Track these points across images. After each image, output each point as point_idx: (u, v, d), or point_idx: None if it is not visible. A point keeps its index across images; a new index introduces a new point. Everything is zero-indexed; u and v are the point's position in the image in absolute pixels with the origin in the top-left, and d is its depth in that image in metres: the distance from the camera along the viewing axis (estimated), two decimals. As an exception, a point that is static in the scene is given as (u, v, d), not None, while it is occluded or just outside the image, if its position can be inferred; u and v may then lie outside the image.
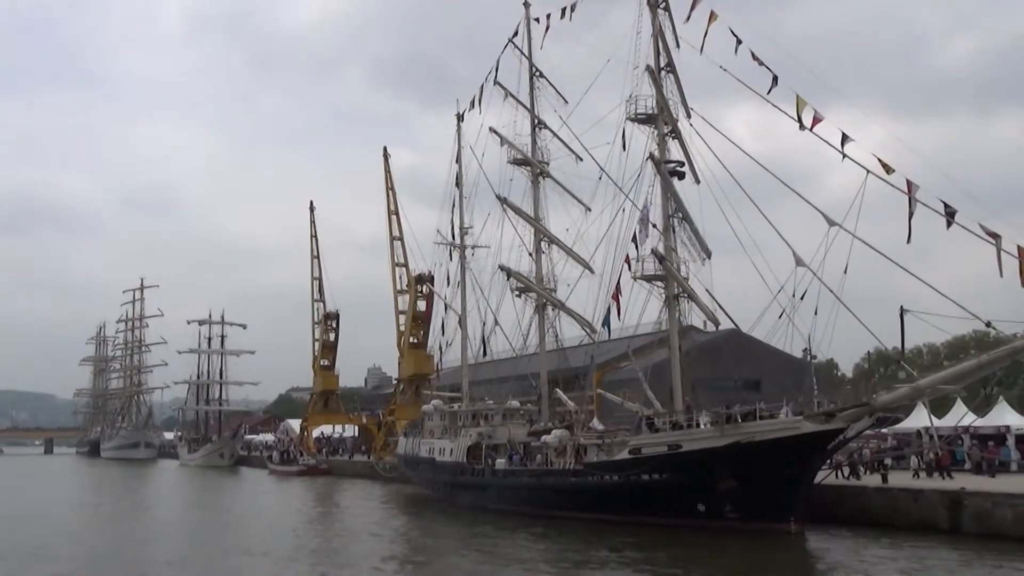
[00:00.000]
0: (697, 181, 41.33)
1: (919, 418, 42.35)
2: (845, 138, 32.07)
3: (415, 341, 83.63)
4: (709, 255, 41.33)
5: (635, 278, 40.54)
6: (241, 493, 72.36)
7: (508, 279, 48.00)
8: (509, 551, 33.59)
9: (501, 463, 45.26)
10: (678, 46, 41.79)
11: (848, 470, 37.78)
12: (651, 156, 38.36)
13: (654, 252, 38.80)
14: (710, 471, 33.85)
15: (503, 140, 49.29)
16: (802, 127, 33.49)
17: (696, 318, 40.75)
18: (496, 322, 52.08)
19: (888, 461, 39.39)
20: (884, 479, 36.24)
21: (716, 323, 42.37)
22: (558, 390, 48.71)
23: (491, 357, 54.79)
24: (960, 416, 40.90)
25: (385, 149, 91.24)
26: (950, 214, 28.54)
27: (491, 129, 49.67)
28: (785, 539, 32.52)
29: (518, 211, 48.21)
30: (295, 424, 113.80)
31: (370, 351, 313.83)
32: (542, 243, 49.80)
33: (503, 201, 48.30)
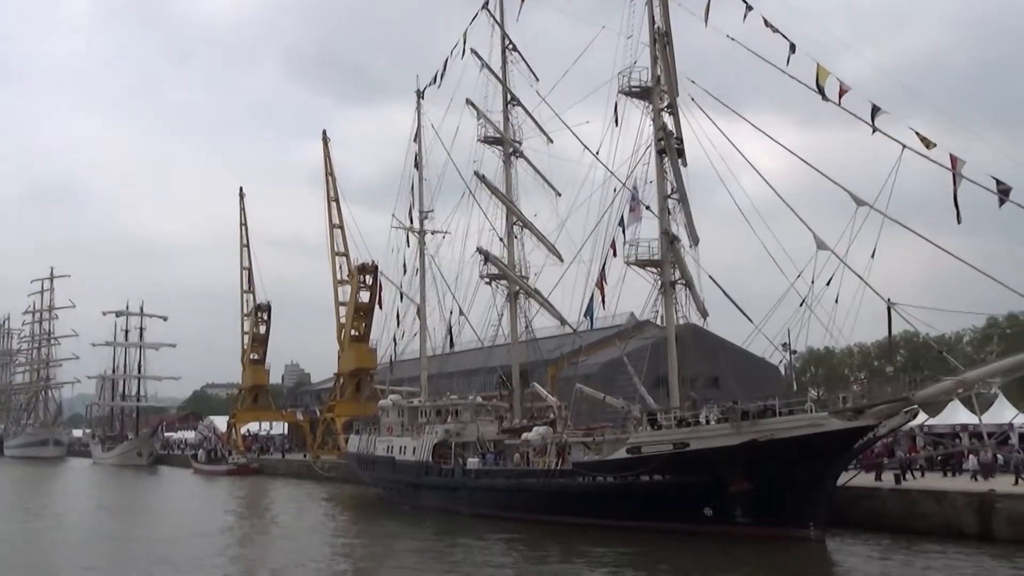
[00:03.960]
0: (684, 163, 38.77)
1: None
2: (876, 110, 29.57)
3: (356, 334, 79.52)
4: (697, 241, 38.67)
5: (628, 263, 37.55)
6: (166, 494, 67.39)
7: (485, 263, 44.40)
8: (486, 560, 30.63)
9: (474, 462, 41.72)
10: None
11: (903, 471, 35.20)
12: (663, 127, 35.29)
13: (666, 232, 35.76)
14: (720, 472, 31.06)
15: (479, 113, 45.67)
16: (825, 98, 30.91)
17: (692, 311, 37.91)
18: (461, 312, 48.56)
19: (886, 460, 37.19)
20: (897, 480, 33.93)
21: (705, 314, 39.86)
22: (536, 384, 45.41)
23: (453, 349, 51.12)
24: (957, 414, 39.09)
25: (324, 133, 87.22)
26: (1004, 191, 26.21)
27: (468, 101, 45.97)
28: (804, 546, 29.94)
29: (494, 190, 44.60)
30: (221, 421, 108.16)
31: (287, 348, 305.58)
32: (514, 228, 46.36)
33: (481, 178, 44.69)
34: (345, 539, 38.01)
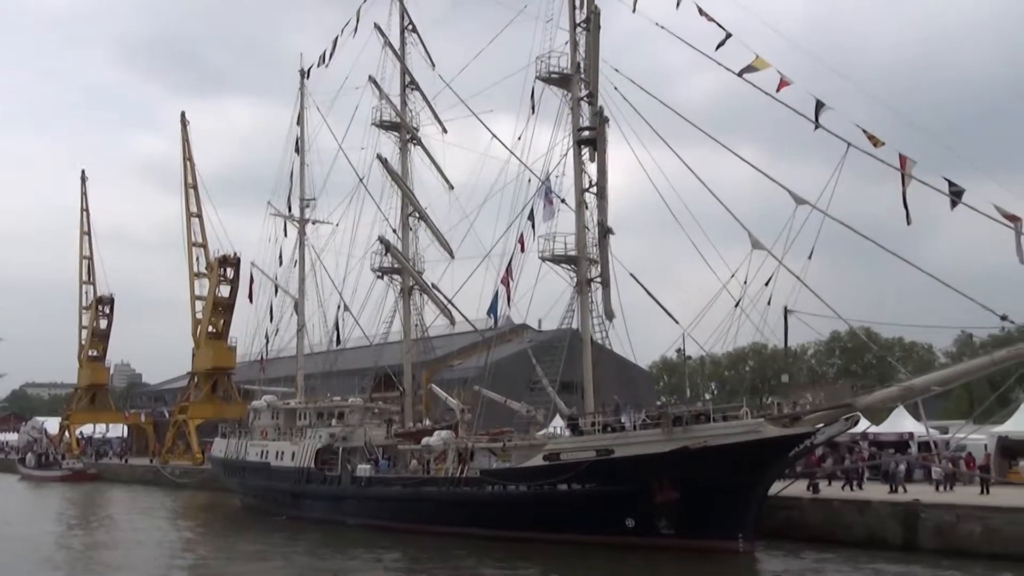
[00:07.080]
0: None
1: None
2: (820, 105, 28.53)
3: (214, 331, 74.25)
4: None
5: (543, 259, 35.44)
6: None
7: (386, 253, 41.21)
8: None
9: (364, 469, 38.47)
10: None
11: (849, 479, 34.50)
12: (599, 112, 33.28)
13: (601, 225, 33.74)
14: (647, 481, 29.26)
15: (381, 93, 42.47)
16: (740, 73, 29.69)
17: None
18: (346, 308, 45.19)
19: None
20: (815, 489, 33.14)
21: (612, 316, 38.23)
22: (434, 385, 42.58)
23: (339, 347, 47.56)
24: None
25: (183, 115, 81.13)
26: (956, 193, 25.54)
27: (370, 78, 42.59)
28: (732, 559, 28.52)
29: (393, 174, 41.45)
30: (52, 422, 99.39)
31: (115, 347, 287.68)
32: (410, 219, 43.42)
33: (383, 162, 41.46)
34: (209, 555, 33.74)
